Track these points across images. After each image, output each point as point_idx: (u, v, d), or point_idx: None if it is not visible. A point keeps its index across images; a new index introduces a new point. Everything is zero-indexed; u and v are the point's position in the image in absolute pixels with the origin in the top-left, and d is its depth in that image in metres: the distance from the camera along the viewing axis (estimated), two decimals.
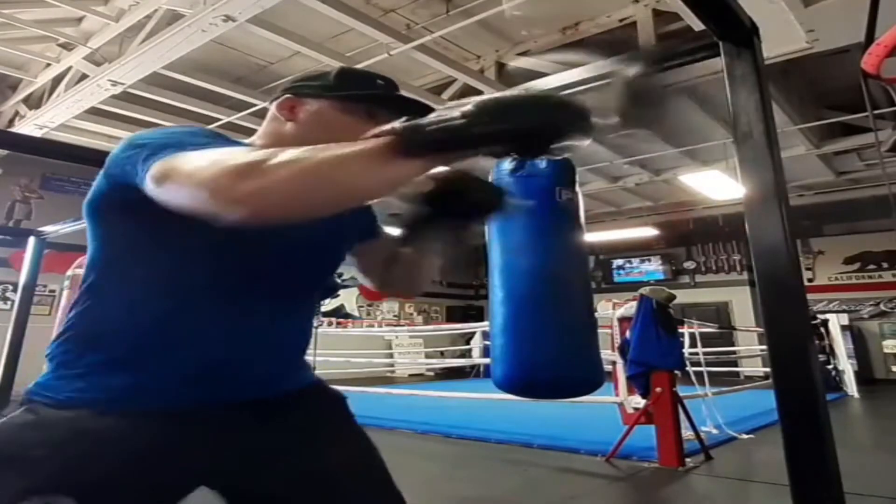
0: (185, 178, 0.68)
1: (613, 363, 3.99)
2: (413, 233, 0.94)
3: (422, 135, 0.66)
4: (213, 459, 0.83)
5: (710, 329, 6.48)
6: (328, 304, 10.29)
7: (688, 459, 3.52)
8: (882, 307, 10.17)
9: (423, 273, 1.12)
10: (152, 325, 0.80)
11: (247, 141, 0.96)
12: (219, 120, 5.82)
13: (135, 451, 0.75)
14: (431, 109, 0.95)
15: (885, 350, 9.84)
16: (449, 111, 0.66)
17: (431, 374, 12.00)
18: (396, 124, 0.67)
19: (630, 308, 4.00)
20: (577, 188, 1.76)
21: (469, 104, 0.66)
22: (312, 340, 1.06)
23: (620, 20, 4.50)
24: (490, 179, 0.94)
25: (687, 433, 3.66)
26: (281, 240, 0.86)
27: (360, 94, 0.94)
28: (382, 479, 0.97)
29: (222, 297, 0.84)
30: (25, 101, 5.69)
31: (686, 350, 4.78)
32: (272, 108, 0.95)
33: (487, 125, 0.65)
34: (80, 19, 4.54)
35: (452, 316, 13.74)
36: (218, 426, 0.82)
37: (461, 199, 0.87)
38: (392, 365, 11.18)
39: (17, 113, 5.86)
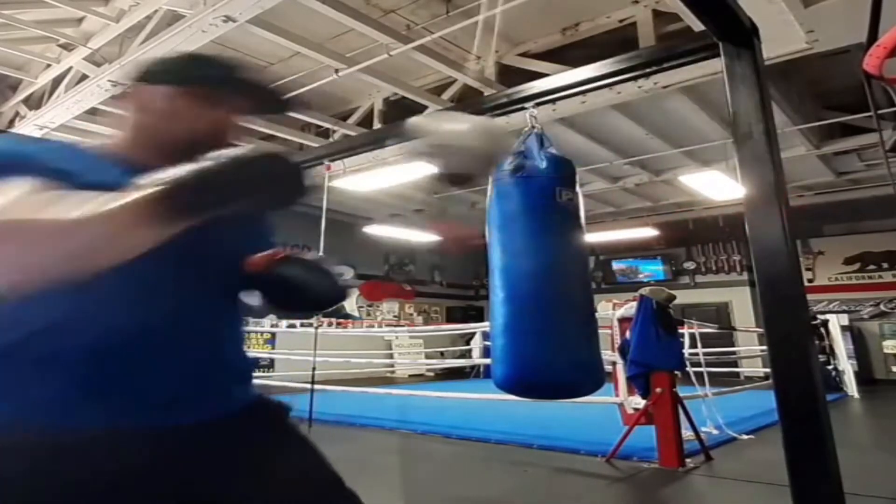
0: None
1: (613, 363, 3.99)
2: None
3: (188, 193, 0.63)
4: (154, 486, 0.79)
5: (710, 329, 6.48)
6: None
7: (688, 460, 3.52)
8: (882, 307, 10.17)
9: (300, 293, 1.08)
10: (73, 347, 0.76)
11: (102, 144, 0.90)
12: None
13: (72, 475, 0.72)
14: (283, 99, 0.95)
15: (885, 350, 9.83)
16: (207, 163, 0.64)
17: (431, 374, 11.99)
18: (154, 178, 0.63)
19: (630, 308, 4.00)
20: (577, 188, 1.76)
21: (224, 159, 0.65)
22: (312, 341, 1.05)
23: (620, 21, 4.50)
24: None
25: (687, 434, 3.66)
26: (191, 253, 0.79)
27: (206, 79, 0.90)
28: (334, 483, 0.93)
29: (137, 314, 0.79)
30: (26, 101, 5.69)
31: (686, 350, 4.79)
32: (121, 100, 0.91)
33: (249, 183, 0.66)
34: (80, 20, 4.54)
35: (452, 316, 13.73)
36: (158, 450, 0.79)
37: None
38: (392, 365, 11.17)
39: (17, 113, 5.86)
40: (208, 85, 0.89)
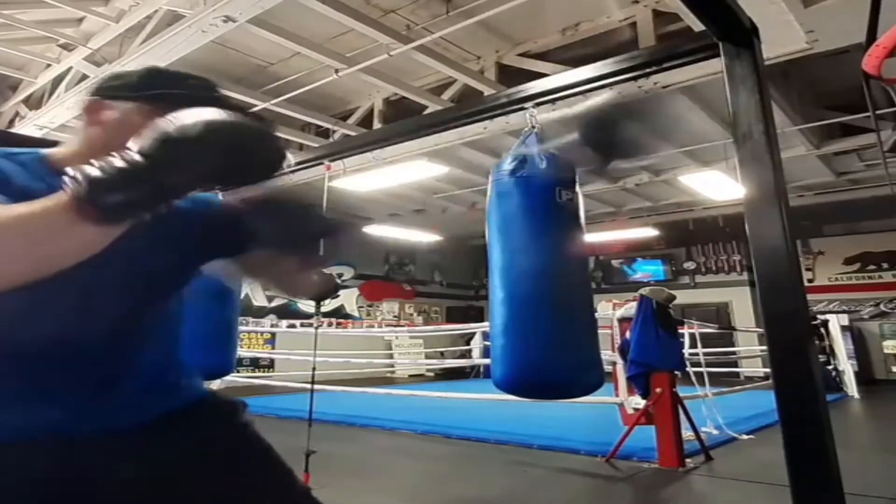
0: None
1: (613, 364, 3.99)
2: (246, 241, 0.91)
3: (109, 190, 0.59)
4: (97, 490, 0.79)
5: (710, 329, 6.48)
6: (328, 305, 10.29)
7: (688, 460, 3.52)
8: (882, 308, 10.17)
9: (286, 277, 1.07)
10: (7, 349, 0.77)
11: (50, 151, 0.88)
12: None
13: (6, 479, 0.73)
14: (250, 111, 0.91)
15: (885, 350, 9.83)
16: (121, 159, 0.60)
17: (431, 374, 12.00)
18: (75, 179, 0.59)
19: (630, 308, 4.00)
20: (577, 188, 1.76)
21: (144, 145, 0.60)
22: (312, 341, 1.06)
23: (620, 21, 4.50)
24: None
25: (687, 434, 3.66)
26: (119, 255, 0.75)
27: (168, 93, 0.85)
28: (286, 480, 0.92)
29: (58, 318, 0.79)
30: (26, 101, 5.69)
31: (686, 350, 4.79)
32: (80, 112, 0.88)
33: (177, 170, 0.60)
34: (80, 20, 4.54)
35: (452, 316, 13.73)
36: (95, 455, 0.79)
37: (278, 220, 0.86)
38: (392, 365, 11.17)
39: (17, 113, 5.86)
40: (162, 99, 0.84)
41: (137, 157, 0.60)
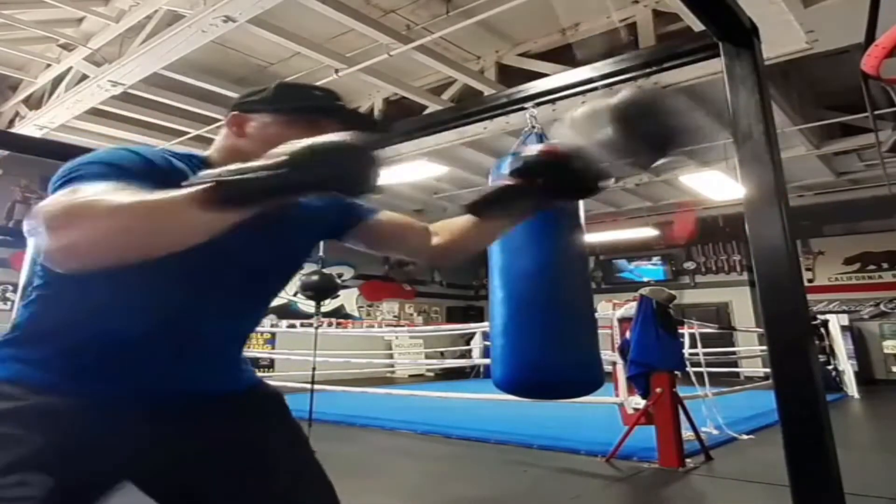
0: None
1: (613, 364, 3.98)
2: (496, 202, 0.99)
3: (239, 186, 0.66)
4: (146, 450, 0.87)
5: (710, 329, 6.48)
6: (328, 305, 10.30)
7: (688, 460, 3.52)
8: (882, 308, 10.17)
9: (478, 241, 1.15)
10: (100, 324, 0.85)
11: (205, 154, 0.97)
12: (219, 120, 5.80)
13: (94, 431, 0.81)
14: (372, 120, 1.00)
15: (885, 350, 9.83)
16: (265, 160, 0.67)
17: (431, 374, 12.00)
18: (219, 172, 0.67)
19: (630, 308, 4.00)
20: None
21: (283, 153, 0.67)
22: (312, 341, 1.09)
23: (620, 21, 4.50)
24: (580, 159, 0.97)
25: (687, 434, 3.66)
26: (235, 249, 0.85)
27: (299, 106, 0.95)
28: (316, 475, 0.99)
29: (172, 301, 0.87)
30: (26, 101, 5.69)
31: (686, 350, 4.78)
32: (224, 124, 0.97)
33: (305, 173, 0.67)
34: (80, 20, 4.54)
35: (452, 316, 13.73)
36: (157, 420, 0.87)
37: (561, 177, 0.95)
38: (392, 365, 11.17)
39: (17, 113, 5.86)
40: (303, 113, 0.93)
41: (271, 162, 0.67)
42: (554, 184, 0.97)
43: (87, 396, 0.82)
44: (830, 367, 7.69)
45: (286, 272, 1.05)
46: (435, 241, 1.12)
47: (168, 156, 0.90)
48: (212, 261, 0.83)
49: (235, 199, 0.67)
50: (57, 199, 0.70)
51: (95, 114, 5.67)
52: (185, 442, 0.90)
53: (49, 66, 5.12)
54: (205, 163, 0.93)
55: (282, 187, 0.67)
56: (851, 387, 7.62)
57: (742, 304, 11.08)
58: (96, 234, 0.66)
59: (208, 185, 0.66)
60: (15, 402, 0.80)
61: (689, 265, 12.15)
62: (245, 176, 0.66)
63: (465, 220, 1.09)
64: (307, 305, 9.83)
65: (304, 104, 0.95)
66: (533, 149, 1.00)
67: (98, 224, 0.66)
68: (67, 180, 0.76)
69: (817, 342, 7.48)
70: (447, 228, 1.12)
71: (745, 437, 4.38)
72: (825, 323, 7.95)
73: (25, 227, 0.70)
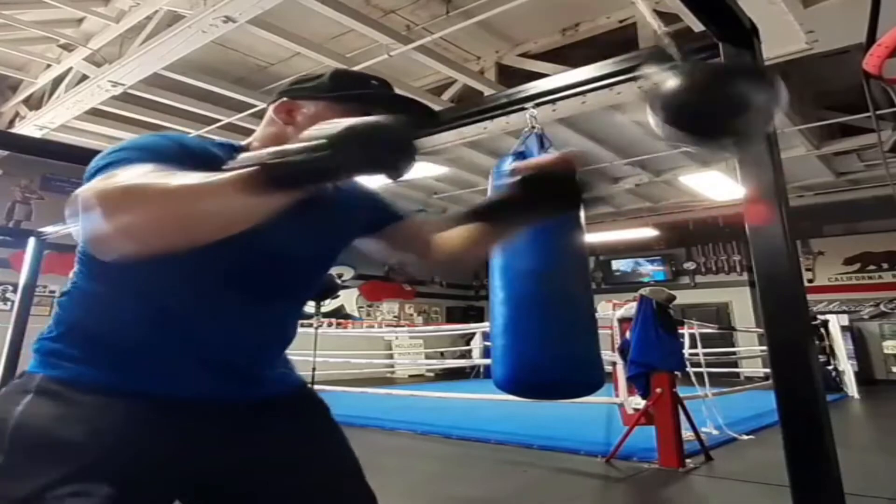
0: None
1: (613, 364, 3.98)
2: (500, 210, 1.00)
3: (285, 168, 0.64)
4: (203, 454, 0.84)
5: (710, 330, 6.48)
6: (328, 305, 10.29)
7: (688, 460, 3.52)
8: (882, 308, 10.16)
9: (483, 248, 1.15)
10: (150, 321, 0.83)
11: (243, 143, 0.96)
12: (219, 121, 5.82)
13: (153, 435, 0.79)
14: (427, 108, 0.97)
15: (886, 351, 9.83)
16: (305, 142, 0.65)
17: (431, 374, 12.00)
18: (260, 154, 0.65)
19: (630, 309, 4.00)
20: None
21: (323, 135, 0.64)
22: (313, 341, 1.09)
23: (620, 21, 4.50)
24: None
25: (687, 434, 3.66)
26: (278, 243, 0.85)
27: (355, 94, 0.93)
28: (359, 482, 1.02)
29: (218, 296, 0.86)
30: (26, 101, 5.69)
31: (686, 351, 4.78)
32: (269, 112, 0.95)
33: (351, 154, 0.64)
34: (80, 20, 4.53)
35: (452, 316, 13.73)
36: (212, 421, 0.85)
37: (557, 188, 0.94)
38: (392, 366, 11.17)
39: (17, 114, 5.86)
40: (353, 99, 0.91)
41: (313, 143, 0.64)
42: (551, 197, 0.97)
43: (143, 397, 0.79)
44: (830, 368, 7.69)
45: (326, 266, 1.04)
46: (437, 250, 1.12)
47: (205, 143, 0.88)
48: (260, 252, 0.82)
49: (281, 180, 0.64)
50: (103, 183, 0.67)
51: (95, 114, 5.67)
52: (243, 447, 0.88)
53: (49, 66, 5.12)
54: (244, 151, 0.90)
55: (325, 169, 0.65)
56: (851, 387, 7.61)
57: (742, 305, 11.08)
58: (150, 217, 0.63)
59: (252, 167, 0.63)
60: (70, 406, 0.76)
61: (689, 265, 12.15)
62: (287, 158, 0.63)
63: (463, 230, 1.09)
64: (307, 305, 9.82)
65: (362, 92, 0.93)
66: (526, 164, 1.00)
67: (151, 206, 0.63)
68: (104, 166, 0.74)
69: (817, 342, 7.48)
70: (447, 238, 1.12)
71: (745, 437, 4.38)
72: (825, 323, 7.95)
73: (67, 212, 0.67)
